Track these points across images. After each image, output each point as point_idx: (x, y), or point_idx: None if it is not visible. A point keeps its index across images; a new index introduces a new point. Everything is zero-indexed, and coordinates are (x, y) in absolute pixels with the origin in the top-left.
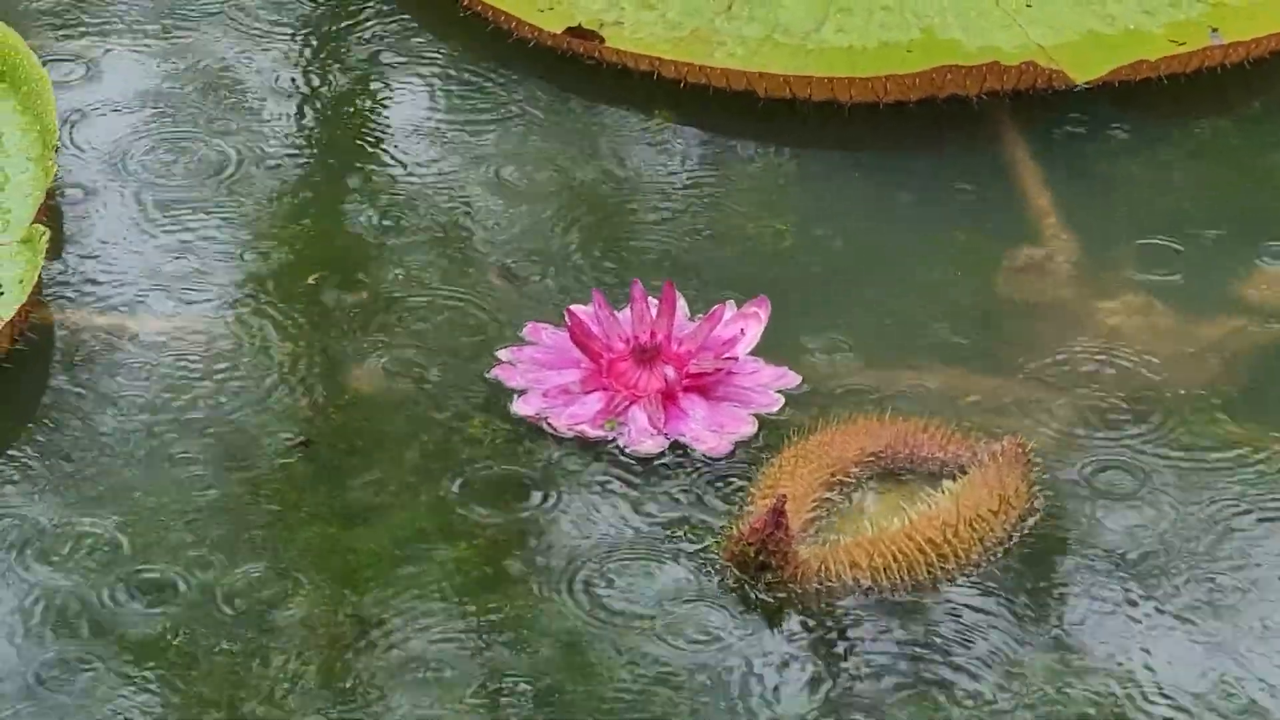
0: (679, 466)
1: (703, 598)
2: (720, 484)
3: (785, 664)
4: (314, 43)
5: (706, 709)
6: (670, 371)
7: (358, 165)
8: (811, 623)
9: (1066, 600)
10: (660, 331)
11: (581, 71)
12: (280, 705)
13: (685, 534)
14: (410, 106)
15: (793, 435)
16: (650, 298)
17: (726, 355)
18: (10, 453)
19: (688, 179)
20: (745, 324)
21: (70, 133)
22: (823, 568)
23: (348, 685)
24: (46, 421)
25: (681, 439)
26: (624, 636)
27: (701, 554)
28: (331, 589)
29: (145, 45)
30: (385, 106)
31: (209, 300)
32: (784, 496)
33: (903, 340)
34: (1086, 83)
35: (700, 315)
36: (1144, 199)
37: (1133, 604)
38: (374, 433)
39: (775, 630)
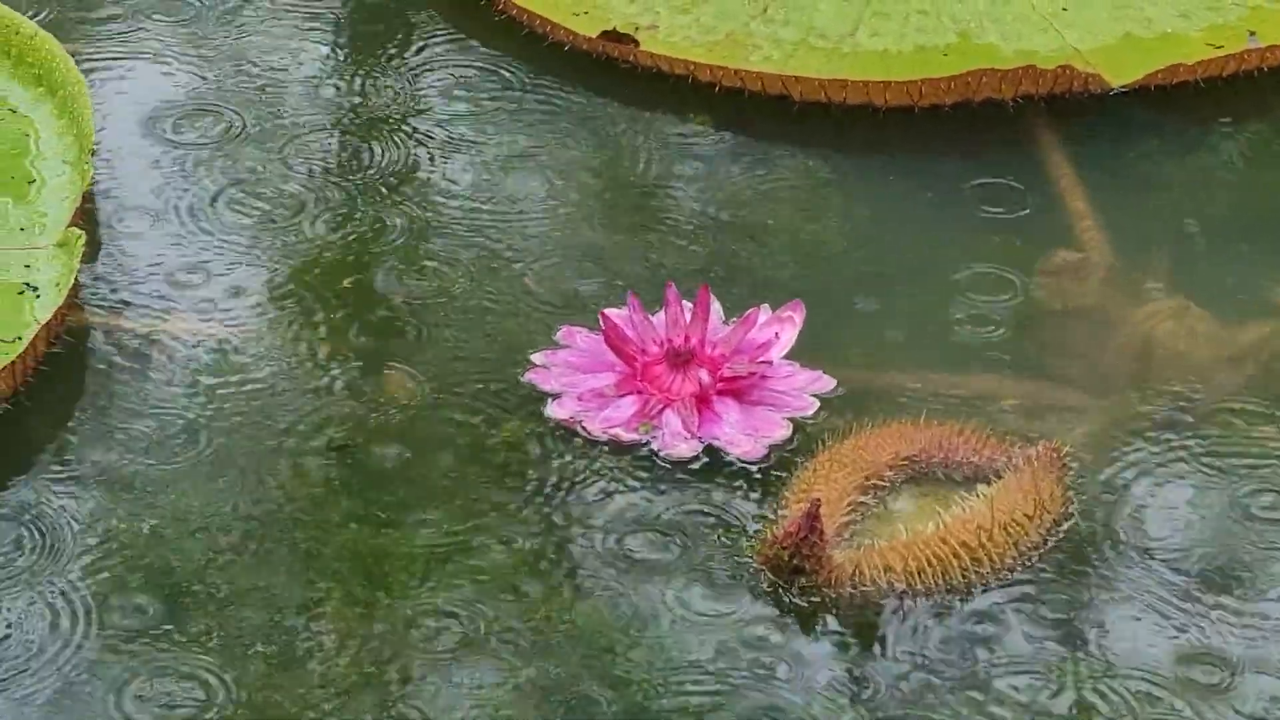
0: (713, 470)
1: (738, 601)
2: (754, 488)
3: (820, 667)
4: (348, 47)
5: (743, 713)
6: (704, 375)
7: (393, 170)
8: (846, 626)
9: (1101, 605)
10: (695, 335)
11: (617, 75)
12: (316, 708)
13: (720, 538)
14: (445, 110)
15: (827, 439)
16: (685, 301)
17: (761, 359)
18: (47, 455)
19: (722, 182)
20: (780, 328)
21: (107, 137)
22: (857, 572)
23: (383, 689)
24: (83, 424)
25: (716, 443)
26: (659, 640)
27: (736, 557)
28: (366, 593)
29: (181, 51)
30: (420, 110)
31: (244, 304)
32: (818, 500)
33: (938, 344)
34: (1123, 86)
35: (735, 319)
36: (1180, 203)
37: (1169, 609)
38: (409, 437)
39: (810, 634)
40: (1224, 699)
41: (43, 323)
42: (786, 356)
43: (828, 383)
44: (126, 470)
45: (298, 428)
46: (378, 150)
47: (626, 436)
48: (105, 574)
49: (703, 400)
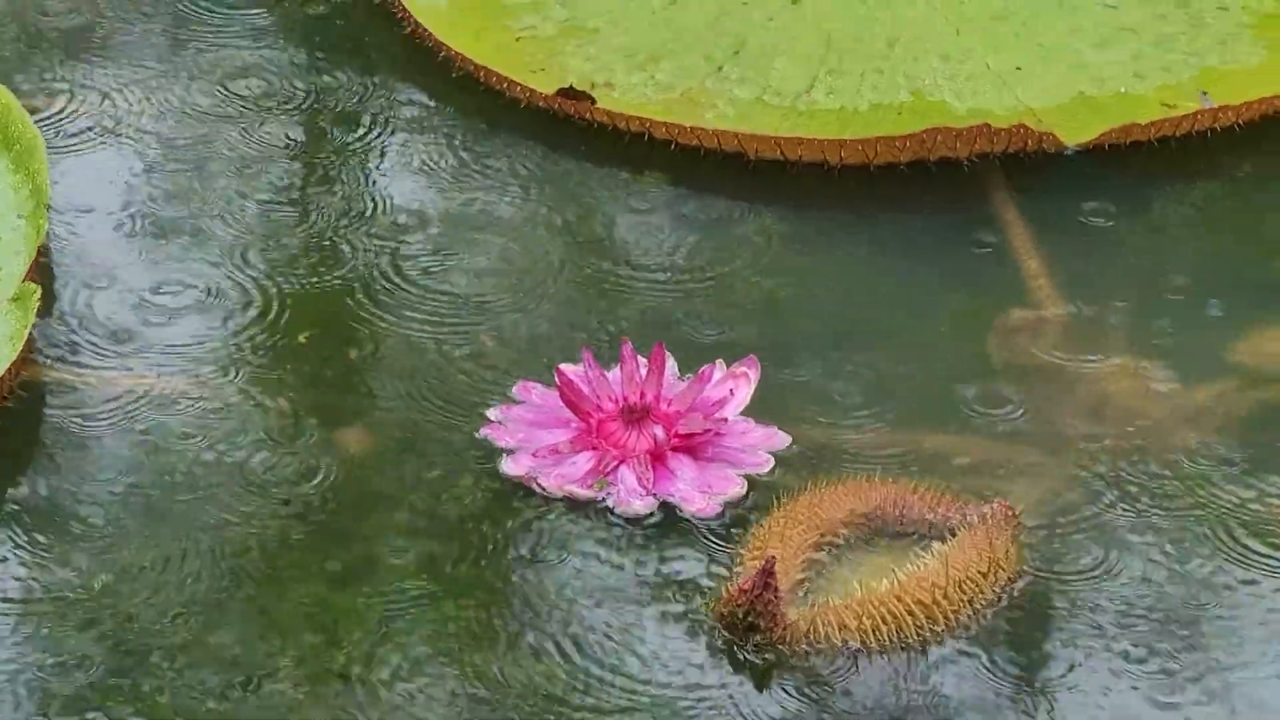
0: (668, 527)
1: (691, 659)
2: (709, 545)
3: None
4: (304, 103)
5: None
6: (659, 432)
7: (347, 226)
8: (800, 684)
9: (1055, 664)
10: (650, 392)
11: (573, 132)
12: None
13: (674, 595)
14: (401, 167)
15: (782, 496)
16: (640, 358)
17: (716, 416)
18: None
19: (678, 239)
20: (735, 384)
21: (61, 191)
22: (811, 629)
23: None
24: (36, 479)
25: (670, 499)
26: (612, 697)
27: (690, 615)
28: (320, 649)
29: (138, 104)
30: (375, 167)
31: (199, 359)
32: (773, 558)
33: (892, 401)
34: (1077, 146)
35: (690, 376)
36: (1136, 261)
37: (1122, 670)
38: (363, 493)
39: (764, 691)
40: None
41: None
42: (742, 413)
43: (783, 440)
44: (79, 526)
45: (251, 484)
46: (332, 208)
47: (581, 493)
48: (57, 631)
49: (658, 457)
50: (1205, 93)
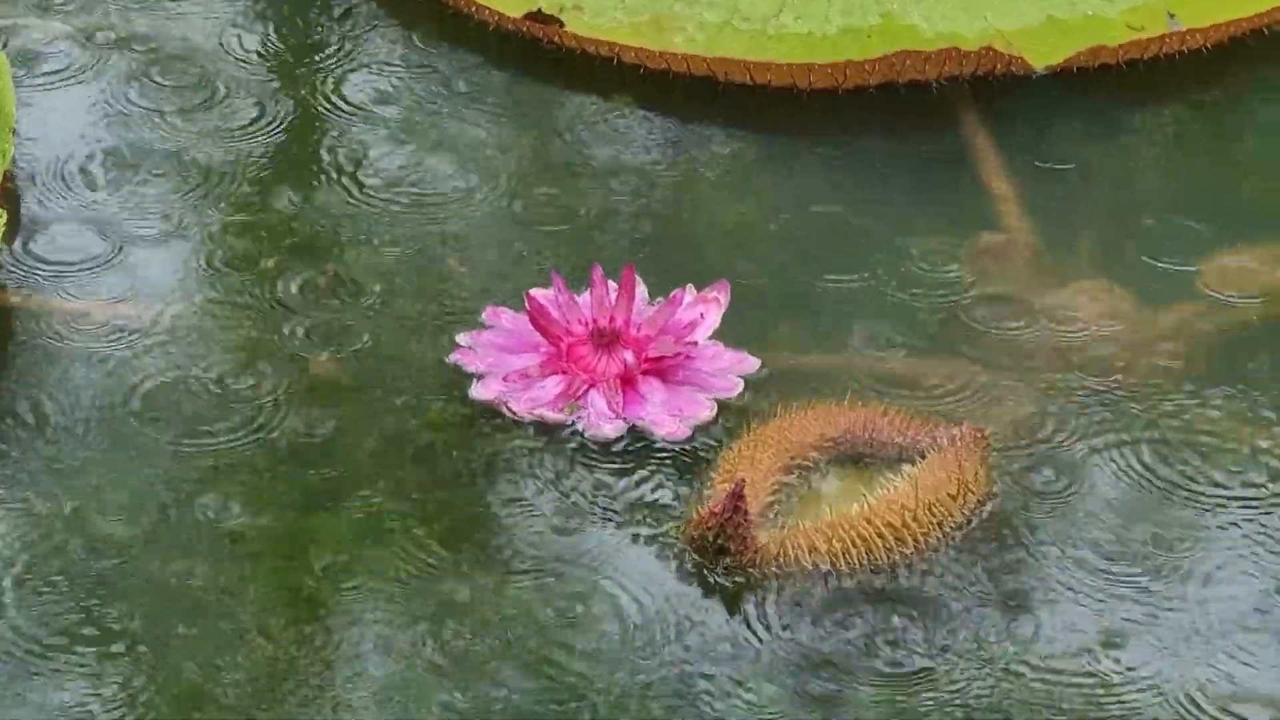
0: (638, 451)
1: (661, 582)
2: (679, 469)
3: (744, 647)
4: (273, 26)
5: (664, 694)
6: (629, 356)
7: (316, 149)
8: (770, 607)
9: (1024, 584)
10: (619, 316)
11: (542, 56)
12: (240, 689)
13: (644, 518)
14: (370, 89)
15: (752, 420)
16: (610, 282)
17: (686, 340)
18: None
19: (648, 164)
20: (705, 308)
21: (26, 115)
22: (781, 552)
23: (305, 671)
24: (4, 403)
25: (640, 423)
26: (583, 622)
27: (660, 538)
28: (290, 575)
29: (102, 23)
30: (344, 89)
31: (166, 286)
32: (743, 481)
33: (862, 325)
34: (1046, 69)
35: (660, 300)
36: (1103, 185)
37: (1090, 587)
38: (332, 418)
39: (734, 614)
40: (1144, 677)
41: None
42: (711, 337)
43: (752, 364)
44: (46, 453)
45: (220, 409)
46: (301, 132)
47: (551, 417)
48: (25, 556)
49: (628, 381)
50: (1173, 15)
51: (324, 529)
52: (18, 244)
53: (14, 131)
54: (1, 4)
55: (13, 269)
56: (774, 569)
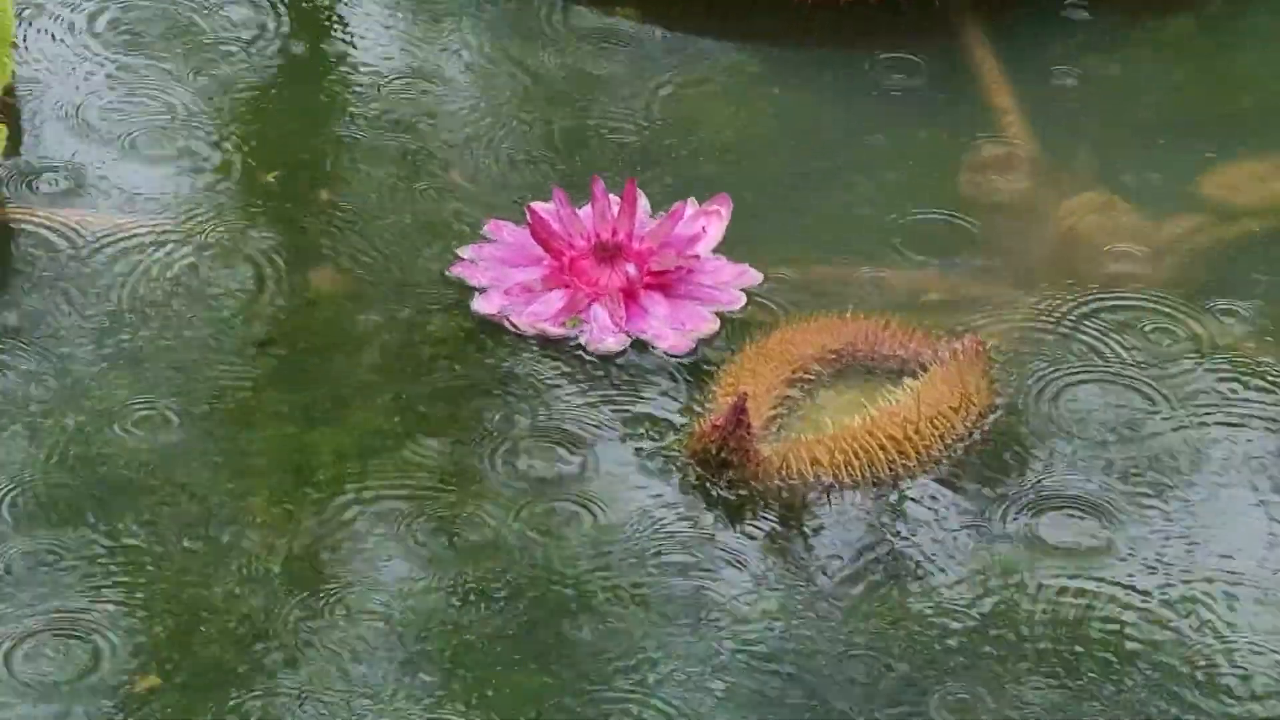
0: (640, 364)
1: (664, 495)
2: (682, 381)
3: (747, 559)
4: None
5: (669, 608)
6: (632, 269)
7: (316, 63)
8: (773, 519)
9: (1027, 495)
10: (622, 229)
11: None
12: (243, 602)
13: (647, 431)
14: (370, 5)
15: (754, 333)
16: (612, 195)
17: (688, 253)
18: None
19: (649, 77)
20: (707, 222)
21: (26, 30)
22: (784, 465)
23: (309, 585)
24: (5, 318)
25: (643, 336)
26: (585, 536)
27: (663, 451)
28: (292, 487)
29: None
30: (340, 9)
31: (167, 199)
32: (745, 394)
33: (864, 238)
34: None
35: (662, 213)
36: (1105, 97)
37: (1094, 498)
38: (334, 332)
39: (737, 527)
40: (1145, 589)
41: None
42: (714, 251)
43: (755, 277)
44: (50, 365)
45: (222, 324)
46: (301, 41)
47: (554, 331)
48: (31, 468)
49: (630, 294)
50: None
51: (326, 443)
52: (19, 158)
53: (14, 45)
54: None
55: (16, 184)
56: (776, 482)
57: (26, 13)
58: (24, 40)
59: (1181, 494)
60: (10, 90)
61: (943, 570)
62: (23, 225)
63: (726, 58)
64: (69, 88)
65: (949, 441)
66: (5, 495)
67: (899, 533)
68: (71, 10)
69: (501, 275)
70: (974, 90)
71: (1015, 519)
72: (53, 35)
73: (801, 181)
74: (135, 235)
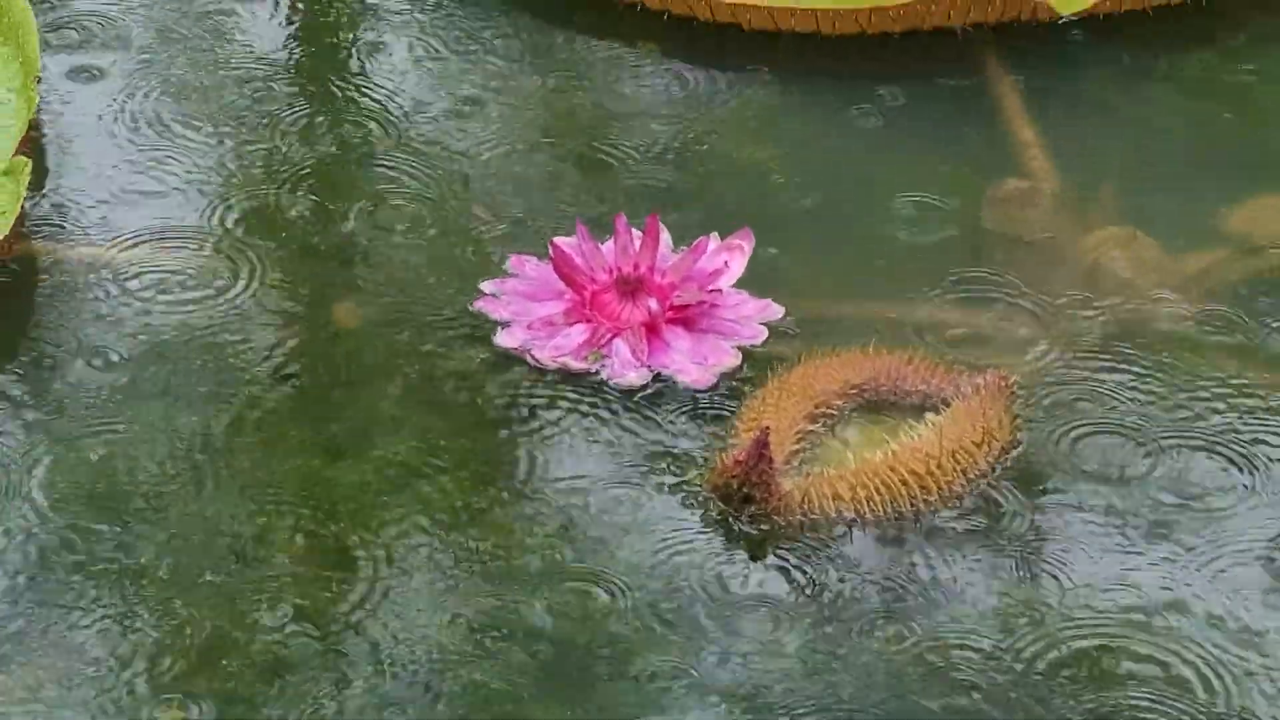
0: (662, 398)
1: (686, 530)
2: (704, 416)
3: (768, 596)
4: None
5: (690, 643)
6: (654, 303)
7: (341, 97)
8: (794, 554)
9: (1047, 531)
10: (644, 263)
11: (566, 3)
12: (266, 634)
13: (669, 466)
14: (393, 37)
15: (776, 367)
16: (634, 229)
17: (710, 287)
18: None
19: (672, 111)
20: (729, 256)
21: (52, 63)
22: (805, 499)
23: (331, 619)
24: (31, 351)
25: (665, 371)
26: (607, 568)
27: (685, 486)
28: (315, 521)
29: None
30: (369, 36)
31: (191, 231)
32: (767, 428)
33: (887, 272)
34: (1072, 15)
35: (684, 247)
36: (1128, 131)
37: (1114, 535)
38: (358, 365)
39: (759, 562)
40: (1169, 622)
41: None
42: (736, 285)
43: (777, 311)
44: (74, 397)
45: (246, 356)
46: (329, 76)
47: (576, 365)
48: (54, 499)
49: (652, 329)
50: None
51: (349, 476)
52: (44, 191)
53: (39, 79)
54: None
55: (40, 216)
56: (798, 517)
57: (54, 47)
58: (48, 73)
59: (1199, 531)
60: (36, 125)
61: (965, 606)
62: (47, 259)
63: (749, 91)
64: (92, 120)
65: (971, 476)
66: (30, 527)
67: (921, 568)
68: (98, 46)
69: (524, 309)
70: (997, 124)
71: (1037, 555)
72: (78, 69)
73: (824, 215)
74: (159, 268)
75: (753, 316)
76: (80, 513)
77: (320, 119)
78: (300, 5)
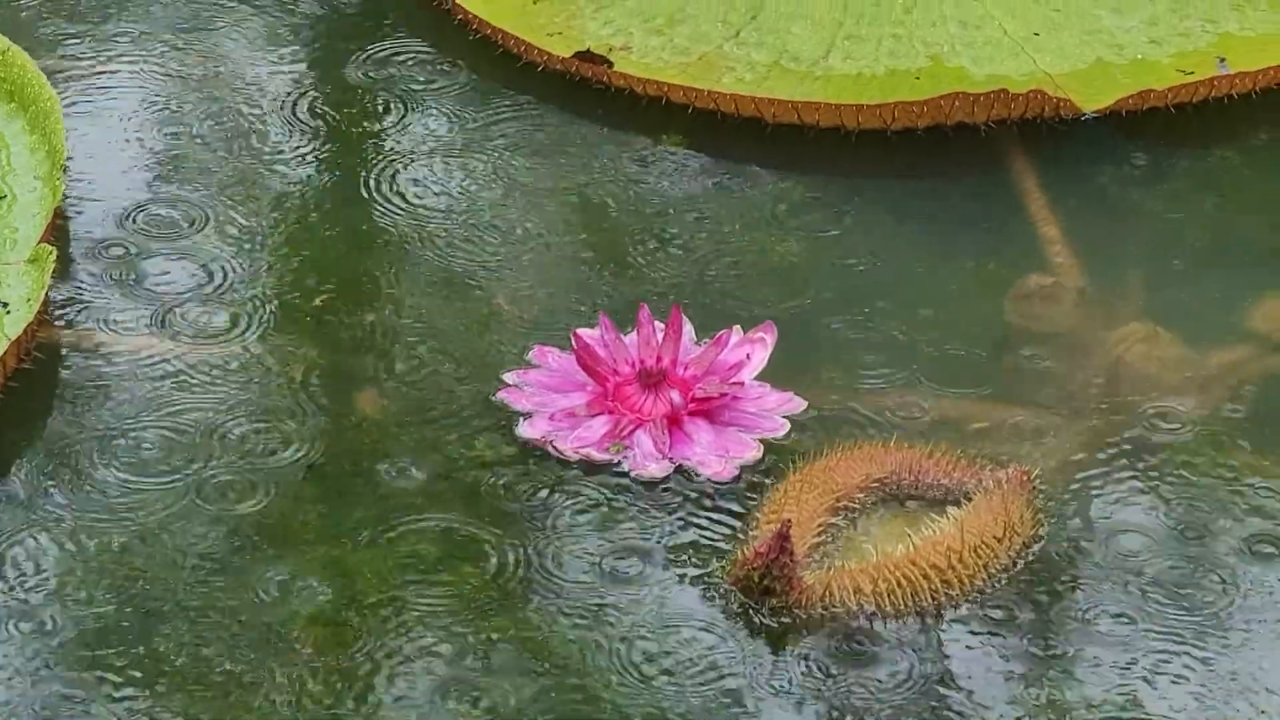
0: (684, 491)
1: (708, 623)
2: (725, 508)
3: (789, 690)
4: (323, 65)
5: None
6: (676, 396)
7: (366, 187)
8: (815, 648)
9: (1070, 628)
10: (666, 356)
11: (590, 96)
12: None
13: (690, 558)
14: (419, 129)
15: (798, 460)
16: (657, 322)
17: (732, 380)
18: (16, 473)
19: (695, 204)
20: (751, 349)
21: (78, 151)
22: (827, 593)
23: (353, 711)
24: (53, 441)
25: (687, 463)
26: (630, 663)
27: (706, 578)
28: (337, 612)
29: (153, 66)
30: (394, 129)
31: (216, 323)
32: (789, 521)
33: (909, 366)
34: (1094, 112)
35: (707, 340)
36: (1151, 228)
37: (1137, 632)
38: (380, 455)
39: (779, 655)
40: None
41: (13, 339)
42: (758, 378)
43: (799, 404)
44: (96, 488)
45: (269, 446)
46: (350, 169)
47: (598, 456)
48: (72, 587)
49: (674, 421)
50: (1223, 59)
51: (370, 565)
52: (68, 279)
53: (65, 168)
54: (61, 58)
55: (63, 304)
56: (819, 610)
57: (80, 136)
58: (75, 161)
59: (1227, 633)
60: (60, 213)
61: (986, 704)
62: (70, 347)
63: (773, 185)
64: (118, 210)
65: (992, 571)
66: (46, 614)
67: (942, 662)
68: (121, 134)
69: (546, 400)
70: (1020, 219)
71: (1058, 651)
72: (101, 156)
73: (846, 308)
74: (180, 357)
75: (774, 409)
76: (94, 600)
77: (343, 209)
78: (317, 99)
